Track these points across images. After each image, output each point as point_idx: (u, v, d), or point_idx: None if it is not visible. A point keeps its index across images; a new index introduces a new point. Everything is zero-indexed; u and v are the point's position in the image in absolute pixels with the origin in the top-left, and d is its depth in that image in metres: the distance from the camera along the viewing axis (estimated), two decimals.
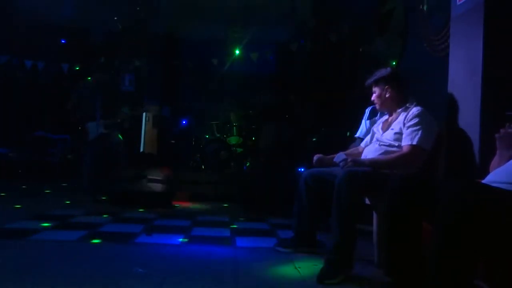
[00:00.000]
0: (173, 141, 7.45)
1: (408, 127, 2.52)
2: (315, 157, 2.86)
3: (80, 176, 5.18)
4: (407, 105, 2.64)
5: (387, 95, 2.70)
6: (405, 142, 2.52)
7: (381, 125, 2.83)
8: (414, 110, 2.57)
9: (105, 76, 5.34)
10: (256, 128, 6.80)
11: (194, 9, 7.18)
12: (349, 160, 2.53)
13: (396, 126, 2.62)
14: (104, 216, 3.84)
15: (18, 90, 7.19)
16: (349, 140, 3.69)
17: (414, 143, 2.47)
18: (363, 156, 2.79)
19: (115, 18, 7.15)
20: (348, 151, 2.97)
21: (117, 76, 5.66)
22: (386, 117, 2.85)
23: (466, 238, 1.46)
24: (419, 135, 2.47)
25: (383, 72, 2.74)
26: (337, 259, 2.31)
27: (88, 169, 5.01)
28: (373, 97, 2.78)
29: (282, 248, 2.87)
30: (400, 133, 2.57)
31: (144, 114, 6.83)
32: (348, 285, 2.25)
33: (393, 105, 2.72)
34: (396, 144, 2.58)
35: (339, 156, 2.59)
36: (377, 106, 2.81)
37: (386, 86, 2.70)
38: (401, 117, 2.61)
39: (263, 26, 7.03)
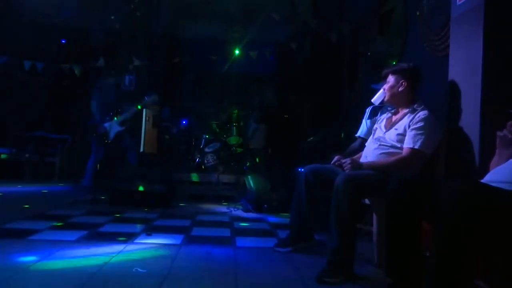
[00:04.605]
0: (173, 141, 7.45)
1: (412, 129, 2.51)
2: (335, 158, 2.78)
3: (81, 175, 5.21)
4: (415, 106, 2.61)
5: (400, 89, 2.66)
6: (407, 145, 2.50)
7: (384, 122, 2.79)
8: (421, 113, 2.55)
9: (109, 80, 5.42)
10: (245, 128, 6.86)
11: (194, 9, 7.18)
12: (347, 162, 2.53)
13: (400, 127, 2.60)
14: (104, 216, 3.84)
15: (18, 90, 7.18)
16: (348, 140, 3.68)
17: (416, 147, 2.46)
18: (363, 155, 2.78)
19: (113, 17, 7.15)
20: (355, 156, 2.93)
21: (119, 77, 5.72)
22: (389, 114, 2.82)
23: (466, 238, 1.45)
24: (422, 139, 2.46)
25: (404, 65, 2.72)
26: (338, 261, 2.31)
27: (92, 168, 5.05)
28: (386, 86, 2.74)
29: (282, 248, 2.87)
30: (403, 135, 2.55)
31: (144, 112, 6.86)
32: (348, 285, 2.25)
33: (401, 101, 2.69)
34: (399, 146, 2.56)
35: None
36: (386, 97, 2.76)
37: (402, 80, 2.66)
38: (407, 119, 2.59)
39: (263, 26, 7.02)
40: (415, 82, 2.69)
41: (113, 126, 5.16)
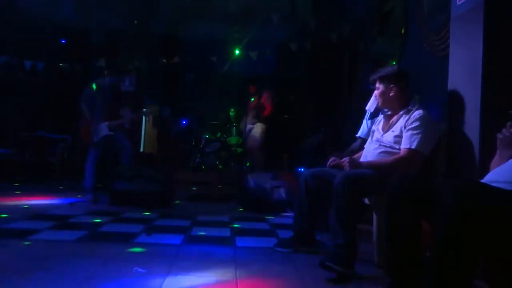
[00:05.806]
0: (173, 141, 7.47)
1: (408, 130, 2.51)
2: (331, 159, 2.76)
3: (82, 175, 5.20)
4: (410, 107, 2.61)
5: (391, 94, 2.66)
6: (404, 146, 2.51)
7: (381, 124, 2.79)
8: (416, 113, 2.55)
9: (105, 80, 5.35)
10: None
11: (194, 9, 7.18)
12: (346, 161, 2.53)
13: (396, 128, 2.60)
14: (104, 216, 3.84)
15: (18, 90, 7.19)
16: (349, 140, 3.68)
17: (413, 147, 2.46)
18: (363, 155, 2.78)
19: (114, 18, 7.17)
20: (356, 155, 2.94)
21: (118, 77, 5.66)
22: (385, 116, 2.82)
23: (466, 238, 1.45)
24: (418, 139, 2.46)
25: (389, 70, 2.73)
26: (341, 255, 2.31)
27: (91, 169, 5.03)
28: (376, 93, 2.75)
29: (282, 248, 2.87)
30: (400, 136, 2.55)
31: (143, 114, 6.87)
32: (348, 285, 2.25)
33: (395, 105, 2.68)
34: (397, 147, 2.56)
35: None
36: (379, 103, 2.78)
37: (391, 85, 2.66)
38: (403, 120, 2.59)
39: (263, 26, 7.04)
40: (404, 84, 2.68)
41: (102, 129, 5.07)
